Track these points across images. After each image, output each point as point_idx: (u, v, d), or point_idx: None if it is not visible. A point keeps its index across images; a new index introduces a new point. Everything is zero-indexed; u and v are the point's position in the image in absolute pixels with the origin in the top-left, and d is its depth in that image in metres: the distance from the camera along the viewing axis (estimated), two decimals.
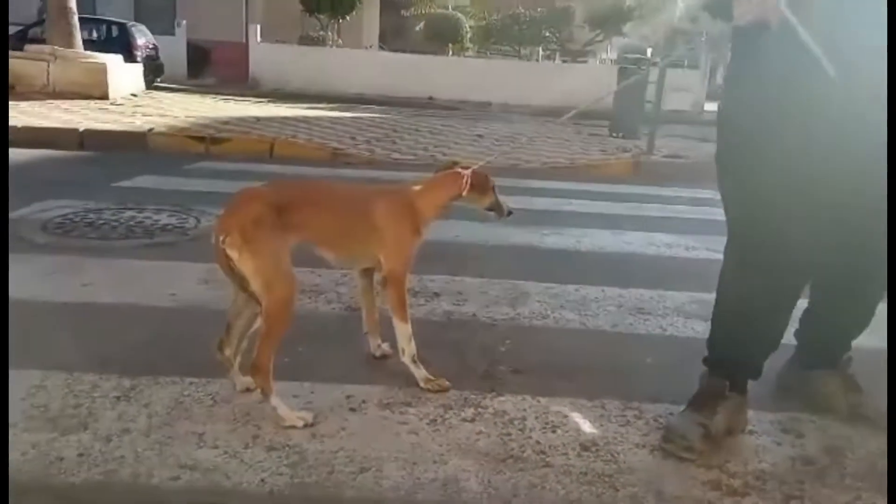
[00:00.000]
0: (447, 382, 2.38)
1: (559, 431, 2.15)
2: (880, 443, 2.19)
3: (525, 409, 2.28)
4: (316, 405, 2.21)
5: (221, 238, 1.99)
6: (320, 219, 2.22)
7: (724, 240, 2.22)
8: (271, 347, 2.04)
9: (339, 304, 3.15)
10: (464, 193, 2.36)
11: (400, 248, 2.31)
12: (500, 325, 3.04)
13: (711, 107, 24.46)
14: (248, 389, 2.24)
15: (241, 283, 2.07)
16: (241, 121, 9.91)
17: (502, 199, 2.49)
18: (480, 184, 2.42)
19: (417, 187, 2.40)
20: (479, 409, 2.26)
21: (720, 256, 2.25)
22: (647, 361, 2.76)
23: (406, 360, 2.36)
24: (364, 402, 2.25)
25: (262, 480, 1.82)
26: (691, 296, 3.52)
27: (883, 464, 2.07)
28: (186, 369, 2.39)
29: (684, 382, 2.57)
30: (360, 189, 2.48)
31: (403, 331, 2.34)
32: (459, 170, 2.41)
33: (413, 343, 2.36)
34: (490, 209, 2.49)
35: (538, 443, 2.08)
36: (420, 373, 2.37)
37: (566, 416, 2.25)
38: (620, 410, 2.32)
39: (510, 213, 2.52)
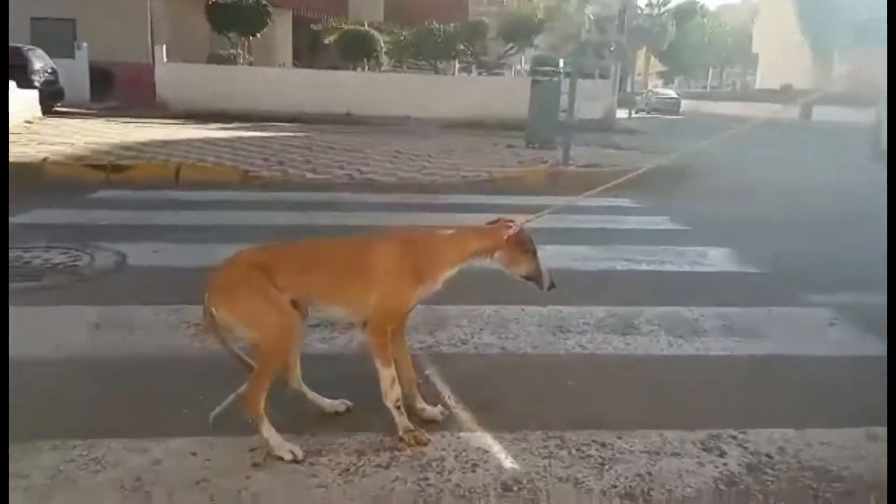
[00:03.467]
0: (427, 437, 2.20)
1: (479, 470, 2.05)
2: (800, 456, 2.18)
3: (444, 448, 2.17)
4: (216, 463, 2.03)
5: (207, 295, 2.11)
6: (311, 278, 2.18)
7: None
8: (261, 384, 2.05)
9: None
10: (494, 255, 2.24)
11: (391, 295, 2.17)
12: (419, 355, 2.90)
13: (622, 114, 25.16)
14: (336, 412, 2.33)
15: (222, 340, 2.14)
16: (146, 146, 9.47)
17: (545, 267, 2.25)
18: (518, 246, 2.21)
19: (447, 232, 2.27)
20: (396, 453, 2.13)
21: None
22: (568, 384, 2.70)
23: (389, 404, 2.20)
24: (270, 454, 2.08)
25: None
26: (609, 310, 3.50)
27: (804, 478, 2.06)
28: (69, 431, 2.17)
29: (605, 404, 2.53)
30: (359, 240, 2.33)
31: (385, 375, 2.18)
32: (506, 223, 2.24)
33: (397, 387, 2.19)
34: (528, 278, 2.25)
35: (458, 486, 1.97)
36: (402, 421, 2.20)
37: (487, 453, 2.15)
38: (542, 441, 2.23)
39: (552, 286, 2.25)
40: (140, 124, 13.30)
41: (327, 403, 2.36)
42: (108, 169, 7.48)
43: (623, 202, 7.03)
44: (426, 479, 1.99)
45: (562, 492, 1.96)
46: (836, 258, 4.84)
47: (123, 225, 5.20)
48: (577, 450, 2.18)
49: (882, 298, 3.88)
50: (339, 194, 6.91)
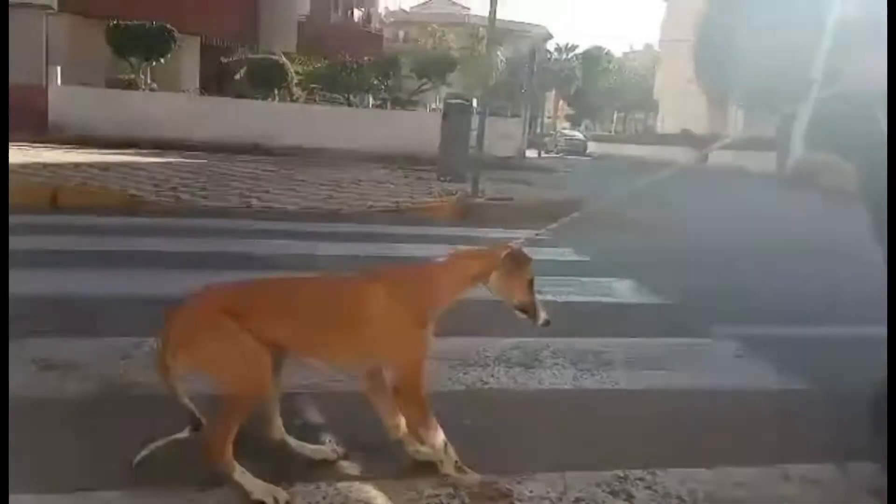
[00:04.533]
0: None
1: None
2: (714, 498, 2.00)
3: (318, 502, 1.85)
4: None
5: (162, 337, 1.88)
6: (287, 326, 1.89)
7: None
8: (224, 433, 1.81)
9: (95, 381, 2.54)
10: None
11: (406, 346, 1.91)
12: (301, 394, 2.58)
13: (532, 153, 25.71)
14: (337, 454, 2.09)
15: (171, 386, 1.88)
16: (24, 167, 8.69)
17: (538, 300, 2.03)
18: (516, 266, 1.98)
19: (437, 261, 2.02)
20: None
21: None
22: (465, 423, 2.44)
23: (449, 470, 1.95)
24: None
25: None
26: (514, 342, 3.29)
27: None
28: None
29: (505, 445, 2.30)
30: (341, 282, 2.05)
31: (436, 440, 1.93)
32: (506, 247, 2.01)
33: (451, 448, 1.96)
34: (521, 309, 2.01)
35: None
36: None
37: None
38: (433, 489, 1.96)
39: (547, 322, 2.02)
40: (26, 148, 12.35)
41: (312, 450, 2.11)
42: None
43: (525, 233, 6.94)
44: None
45: None
46: (738, 291, 4.85)
47: None
48: (472, 498, 1.92)
49: (788, 331, 3.87)
50: (234, 221, 6.50)
